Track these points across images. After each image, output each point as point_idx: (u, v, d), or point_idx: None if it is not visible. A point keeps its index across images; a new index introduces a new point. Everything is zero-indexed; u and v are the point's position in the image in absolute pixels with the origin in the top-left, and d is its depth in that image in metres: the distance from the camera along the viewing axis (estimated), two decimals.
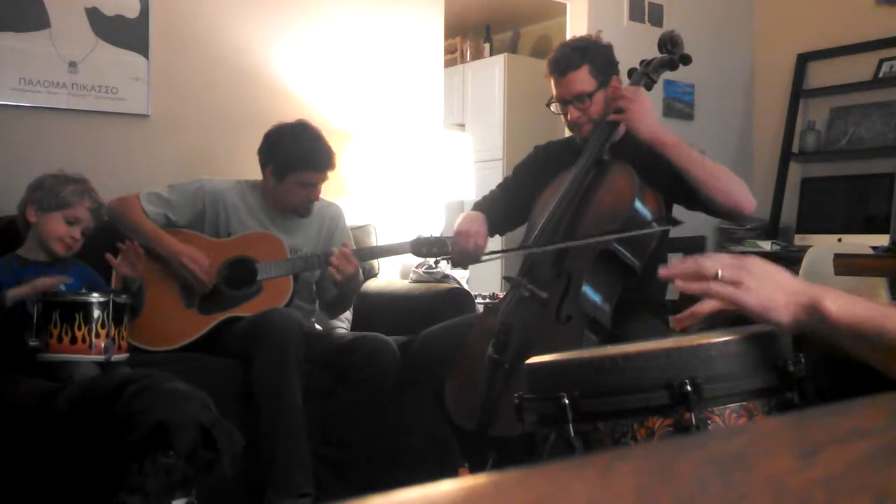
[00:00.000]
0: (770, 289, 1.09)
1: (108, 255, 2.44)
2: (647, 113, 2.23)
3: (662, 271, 1.19)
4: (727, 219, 2.34)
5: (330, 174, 2.78)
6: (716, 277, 1.11)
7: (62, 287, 2.31)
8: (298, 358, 2.42)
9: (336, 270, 2.57)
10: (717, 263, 1.13)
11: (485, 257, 2.37)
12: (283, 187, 2.72)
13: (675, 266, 1.18)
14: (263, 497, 2.37)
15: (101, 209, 2.45)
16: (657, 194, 2.17)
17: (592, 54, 2.35)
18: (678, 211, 2.43)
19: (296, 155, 2.69)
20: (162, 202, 2.69)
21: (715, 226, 4.84)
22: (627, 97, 2.24)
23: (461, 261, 2.41)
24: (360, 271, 2.70)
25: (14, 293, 2.19)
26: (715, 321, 1.22)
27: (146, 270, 2.59)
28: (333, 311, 2.96)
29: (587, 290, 2.07)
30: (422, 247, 2.69)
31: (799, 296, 1.08)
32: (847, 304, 1.05)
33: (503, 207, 2.53)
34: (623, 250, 2.08)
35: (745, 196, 2.22)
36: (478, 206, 2.59)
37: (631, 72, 2.40)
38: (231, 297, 2.63)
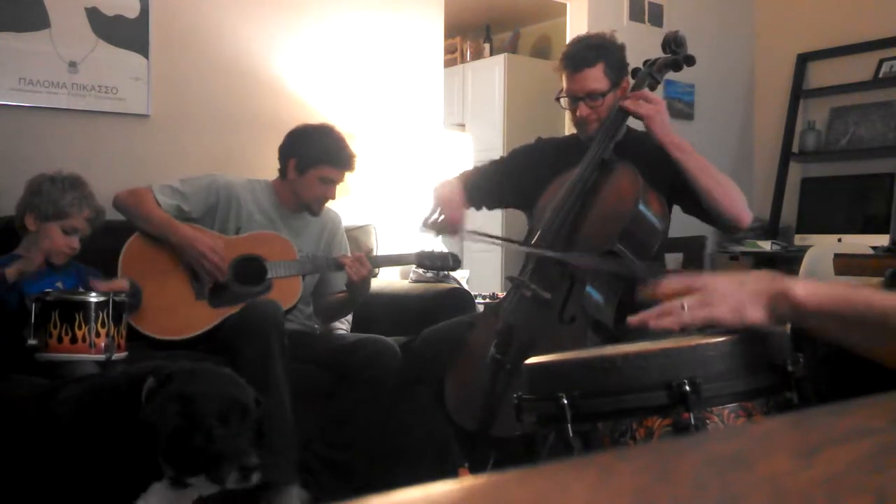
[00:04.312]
0: (736, 293, 1.14)
1: (93, 283, 2.43)
2: (665, 116, 2.24)
3: (631, 321, 1.23)
4: (722, 228, 2.35)
5: (347, 176, 2.83)
6: (682, 310, 1.15)
7: (59, 286, 2.31)
8: (282, 347, 2.40)
9: (352, 272, 2.62)
10: (672, 289, 1.19)
11: (471, 237, 2.35)
12: (303, 181, 2.75)
13: (642, 315, 1.22)
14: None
15: (98, 217, 2.45)
16: (660, 196, 2.17)
17: (608, 53, 2.35)
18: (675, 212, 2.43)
19: (322, 150, 2.75)
20: (175, 194, 2.68)
21: None
22: (648, 97, 2.23)
23: (440, 228, 2.35)
24: (371, 277, 2.74)
25: (13, 270, 2.22)
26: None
27: (157, 260, 2.58)
28: (330, 316, 2.96)
29: (590, 290, 2.07)
30: (426, 260, 2.72)
31: (765, 289, 1.12)
32: (813, 287, 1.09)
33: (494, 185, 2.53)
34: (626, 251, 2.08)
35: (744, 208, 2.24)
36: (465, 178, 2.57)
37: (635, 72, 2.39)
38: (241, 292, 2.62)
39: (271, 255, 2.67)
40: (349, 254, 2.89)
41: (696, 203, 2.24)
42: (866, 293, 1.06)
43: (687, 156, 2.20)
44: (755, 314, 1.12)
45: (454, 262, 2.78)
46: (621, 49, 2.41)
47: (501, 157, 2.66)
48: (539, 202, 2.35)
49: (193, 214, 2.69)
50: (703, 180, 2.18)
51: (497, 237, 2.30)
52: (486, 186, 2.53)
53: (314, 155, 2.74)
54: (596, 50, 2.34)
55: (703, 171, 2.19)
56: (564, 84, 2.38)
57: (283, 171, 2.80)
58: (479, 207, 2.61)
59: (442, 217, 2.31)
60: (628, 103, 2.23)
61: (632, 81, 2.38)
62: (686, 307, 1.16)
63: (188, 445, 1.70)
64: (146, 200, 2.63)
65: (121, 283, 2.42)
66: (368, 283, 2.75)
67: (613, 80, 2.34)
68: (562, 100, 2.40)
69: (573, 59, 2.35)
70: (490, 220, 4.16)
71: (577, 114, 2.37)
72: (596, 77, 2.32)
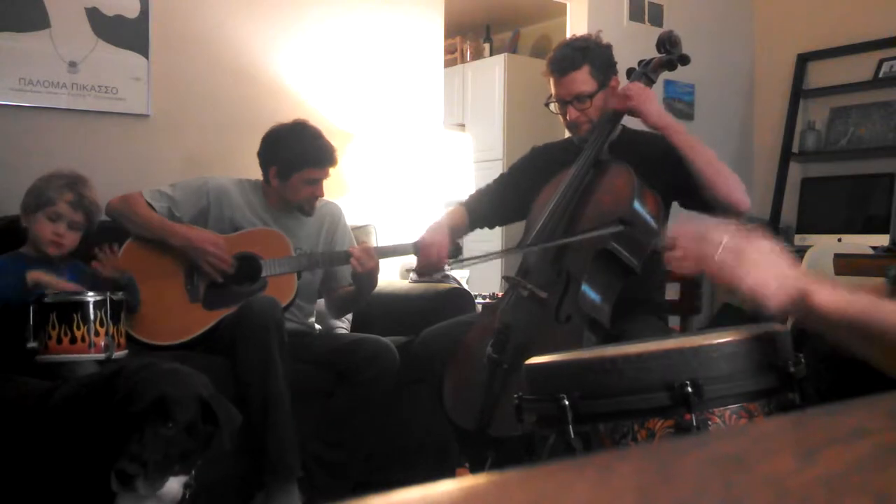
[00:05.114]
0: (763, 274, 1.12)
1: (95, 264, 2.44)
2: (652, 100, 2.25)
3: (674, 230, 1.22)
4: (722, 213, 2.34)
5: (331, 171, 2.80)
6: (719, 245, 1.14)
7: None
8: (281, 343, 2.40)
9: (358, 263, 2.60)
10: (723, 234, 1.16)
11: (447, 267, 2.46)
12: (289, 186, 2.73)
13: (680, 234, 1.22)
14: (254, 491, 2.38)
15: (84, 201, 2.40)
16: (656, 194, 2.17)
17: (593, 55, 2.36)
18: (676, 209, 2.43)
19: (299, 153, 2.71)
20: (165, 198, 2.68)
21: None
22: (631, 88, 2.25)
23: (424, 270, 2.47)
24: (378, 270, 2.72)
25: (34, 276, 2.22)
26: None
27: (150, 264, 2.58)
28: (342, 310, 2.96)
29: (586, 289, 2.07)
30: None
31: (789, 285, 1.11)
32: (834, 296, 1.07)
33: (496, 202, 2.55)
34: (621, 249, 2.08)
35: (742, 193, 2.23)
36: (469, 200, 2.62)
37: (630, 72, 2.40)
38: (236, 292, 2.62)
39: (267, 252, 2.66)
40: (356, 245, 2.90)
41: (695, 194, 2.24)
42: (889, 309, 1.04)
43: (681, 137, 2.21)
44: (769, 303, 1.10)
45: (454, 250, 2.74)
46: (607, 49, 2.41)
47: (501, 175, 2.66)
48: (535, 203, 2.36)
49: (184, 219, 2.68)
50: (698, 162, 2.19)
51: (481, 256, 2.39)
52: (490, 207, 2.56)
53: (293, 160, 2.70)
54: (581, 52, 2.35)
55: (698, 153, 2.20)
56: (552, 89, 2.39)
57: (265, 178, 2.78)
58: (492, 227, 2.67)
59: (425, 262, 2.42)
60: (622, 101, 2.26)
61: (623, 81, 2.39)
62: (722, 247, 1.14)
63: (102, 438, 1.69)
64: (139, 205, 2.63)
65: (119, 271, 2.45)
66: (376, 276, 2.73)
67: (600, 80, 2.35)
68: (551, 105, 2.41)
69: (558, 64, 2.36)
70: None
71: (567, 117, 2.38)
72: (582, 80, 2.33)
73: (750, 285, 1.11)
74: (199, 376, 1.88)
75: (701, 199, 2.24)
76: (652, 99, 2.25)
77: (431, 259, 2.39)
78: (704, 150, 2.22)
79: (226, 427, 1.81)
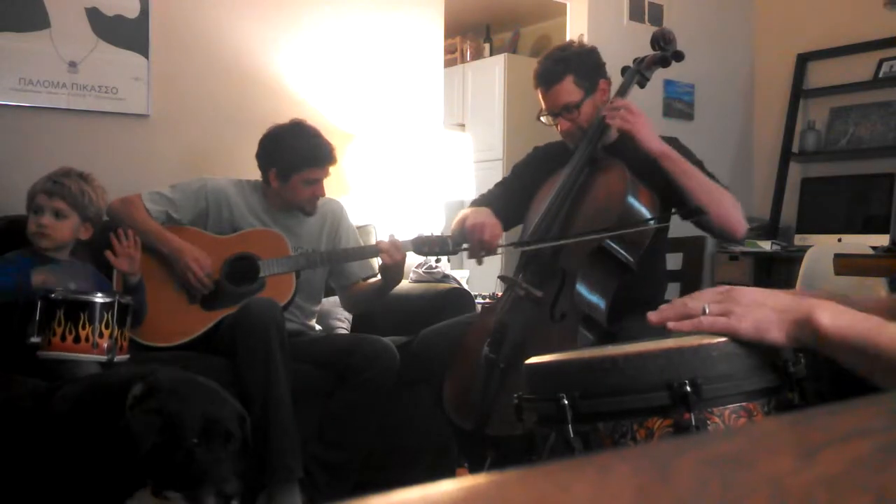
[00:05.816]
0: (760, 311, 1.10)
1: (108, 253, 2.44)
2: (647, 125, 2.22)
3: (651, 317, 1.20)
4: (717, 237, 2.32)
5: (331, 170, 2.80)
6: (703, 314, 1.13)
7: (72, 286, 2.31)
8: (282, 344, 2.40)
9: (388, 255, 2.61)
10: (702, 300, 1.15)
11: (500, 249, 2.32)
12: (289, 187, 2.73)
13: (663, 310, 1.20)
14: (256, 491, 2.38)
15: (60, 188, 2.38)
16: (651, 190, 2.17)
17: (575, 63, 2.35)
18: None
19: (299, 154, 2.71)
20: (164, 200, 2.69)
21: None
22: (631, 108, 2.22)
23: (478, 252, 2.32)
24: (405, 262, 2.72)
25: (40, 279, 2.24)
26: None
27: (149, 267, 2.58)
28: (360, 305, 2.96)
29: (581, 287, 2.07)
30: (423, 245, 2.70)
31: (790, 312, 1.08)
32: (839, 316, 1.04)
33: (502, 205, 2.54)
34: (617, 247, 2.08)
35: (738, 219, 2.21)
36: (475, 204, 2.60)
37: (624, 70, 2.40)
38: (234, 293, 2.63)
39: (265, 253, 2.67)
40: (359, 243, 2.90)
41: (690, 209, 2.23)
42: (892, 331, 1.01)
43: (675, 165, 2.19)
44: (776, 336, 1.09)
45: (453, 245, 2.73)
46: (591, 53, 2.40)
47: (504, 178, 2.67)
48: (532, 203, 2.36)
49: (184, 221, 2.69)
50: (692, 189, 2.17)
51: (515, 244, 2.29)
52: (501, 208, 2.54)
53: (293, 161, 2.70)
54: (562, 63, 2.35)
55: (692, 179, 2.18)
56: (542, 102, 2.40)
57: (265, 180, 2.78)
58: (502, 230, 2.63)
59: (480, 243, 2.28)
60: (616, 122, 2.22)
61: (618, 79, 2.39)
62: (707, 311, 1.14)
63: (167, 462, 1.70)
64: (137, 209, 2.64)
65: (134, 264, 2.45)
66: (403, 268, 2.73)
67: (586, 87, 2.35)
68: (542, 118, 2.42)
69: (542, 78, 2.37)
70: None
71: (559, 128, 2.38)
72: (567, 90, 2.33)
73: (750, 327, 1.10)
74: (215, 385, 1.89)
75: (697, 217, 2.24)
76: (645, 123, 2.22)
77: (485, 239, 2.26)
78: (699, 176, 2.20)
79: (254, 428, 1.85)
